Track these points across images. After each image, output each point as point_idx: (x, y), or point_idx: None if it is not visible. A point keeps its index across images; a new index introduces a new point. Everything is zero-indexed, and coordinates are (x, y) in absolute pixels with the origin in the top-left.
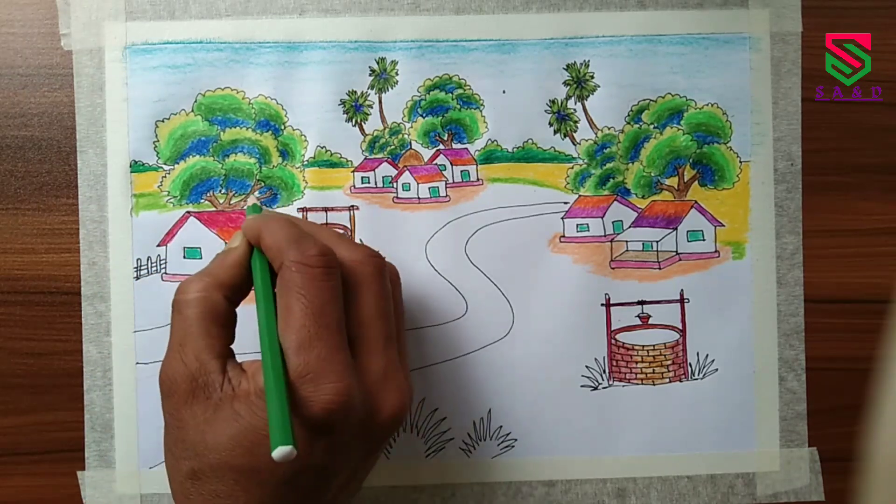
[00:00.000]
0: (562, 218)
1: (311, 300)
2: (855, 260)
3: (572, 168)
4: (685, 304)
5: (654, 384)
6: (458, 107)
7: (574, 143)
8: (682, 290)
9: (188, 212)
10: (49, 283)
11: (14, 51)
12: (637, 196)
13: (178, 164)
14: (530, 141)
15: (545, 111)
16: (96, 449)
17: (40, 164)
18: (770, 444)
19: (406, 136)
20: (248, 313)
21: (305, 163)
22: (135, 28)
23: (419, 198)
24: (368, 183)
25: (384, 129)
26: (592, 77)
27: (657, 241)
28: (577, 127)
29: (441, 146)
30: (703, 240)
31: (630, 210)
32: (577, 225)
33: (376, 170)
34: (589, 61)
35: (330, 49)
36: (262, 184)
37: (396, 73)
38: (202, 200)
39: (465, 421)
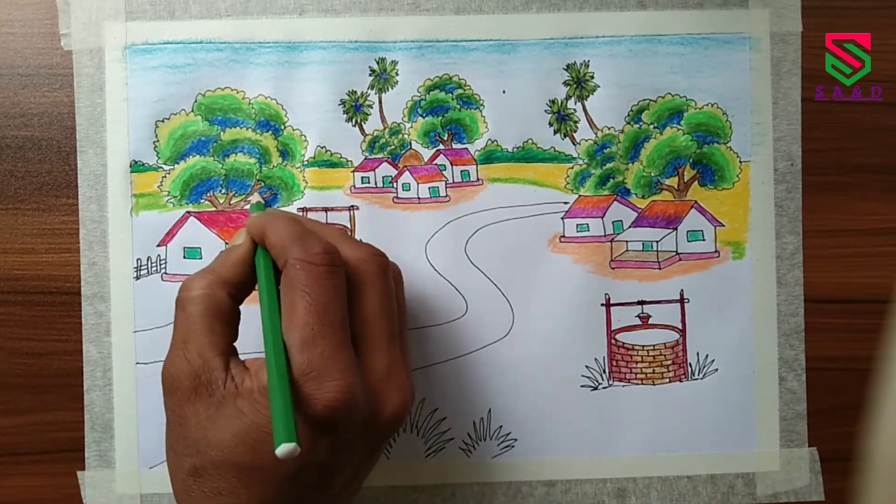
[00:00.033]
0: (562, 218)
1: (315, 298)
2: (855, 260)
3: (572, 168)
4: (685, 304)
5: (654, 384)
6: (458, 107)
7: (574, 143)
8: (682, 290)
9: (188, 212)
10: (49, 283)
11: (14, 51)
12: (637, 196)
13: (178, 164)
14: (530, 141)
15: (545, 111)
16: (96, 449)
17: (40, 164)
18: (770, 444)
19: (406, 136)
20: (251, 312)
21: (305, 163)
22: (135, 28)
23: (419, 198)
24: (368, 183)
25: (384, 129)
26: (592, 77)
27: (657, 241)
28: (577, 127)
29: (441, 146)
30: (703, 240)
31: (630, 210)
32: (577, 225)
33: (376, 170)
34: (589, 61)
35: (330, 49)
36: (262, 184)
37: (396, 73)
38: (202, 200)
39: (465, 421)
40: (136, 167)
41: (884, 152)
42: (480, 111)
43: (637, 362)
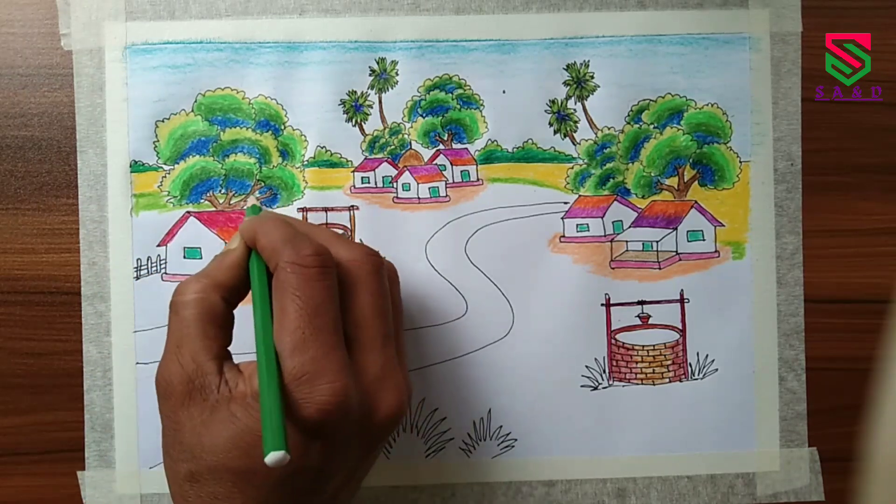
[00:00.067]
0: (562, 218)
1: (305, 301)
2: (855, 260)
3: (572, 168)
4: (685, 304)
5: (654, 384)
6: (458, 107)
7: (574, 143)
8: (682, 290)
9: (188, 212)
10: (49, 283)
11: (14, 51)
12: (637, 196)
13: (178, 164)
14: (530, 141)
15: (545, 111)
16: (96, 449)
17: (40, 164)
18: (770, 444)
19: (406, 136)
20: (245, 314)
21: (305, 163)
22: (135, 28)
23: (419, 198)
24: (368, 183)
25: (384, 129)
26: (592, 77)
27: (657, 241)
28: (577, 127)
29: (441, 146)
30: (703, 240)
31: (630, 210)
32: (577, 225)
33: (376, 170)
34: (589, 61)
35: (330, 49)
36: (262, 184)
37: (396, 73)
38: (202, 200)
39: (465, 421)
40: (136, 167)
41: (884, 152)
42: (480, 111)
43: (637, 362)
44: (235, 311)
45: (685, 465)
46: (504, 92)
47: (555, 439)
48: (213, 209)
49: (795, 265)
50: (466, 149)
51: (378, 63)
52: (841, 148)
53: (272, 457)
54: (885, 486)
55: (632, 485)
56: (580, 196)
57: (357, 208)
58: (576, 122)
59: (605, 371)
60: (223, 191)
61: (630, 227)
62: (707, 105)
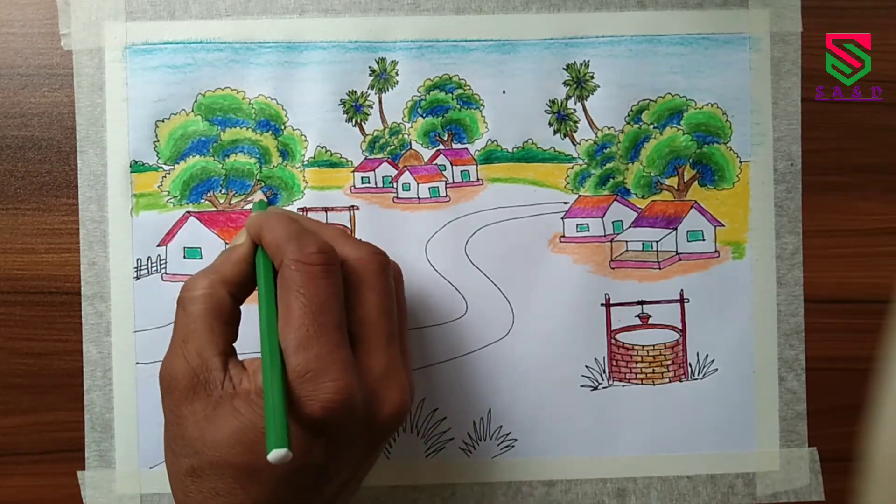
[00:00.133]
0: (562, 218)
1: (310, 298)
2: (855, 260)
3: (572, 168)
4: (685, 304)
5: (654, 384)
6: (458, 107)
7: (574, 143)
8: (681, 290)
9: (188, 212)
10: (49, 283)
11: (14, 51)
12: (637, 196)
13: (178, 164)
14: (530, 141)
15: (545, 111)
16: (96, 449)
17: (40, 164)
18: (770, 444)
19: (406, 136)
20: (250, 312)
21: (305, 163)
22: (135, 28)
23: (419, 198)
24: (368, 183)
25: (384, 129)
26: (592, 77)
27: (657, 241)
28: (577, 127)
29: (441, 146)
30: (703, 240)
31: (630, 210)
32: (577, 225)
33: (376, 170)
34: (589, 61)
35: (330, 49)
36: (263, 184)
37: (396, 73)
38: (202, 200)
39: (465, 421)
40: (136, 167)
41: (884, 152)
42: (480, 111)
43: (637, 362)
44: (240, 310)
45: (685, 465)
46: (504, 92)
47: (555, 439)
48: (214, 209)
49: (795, 265)
50: (466, 149)
51: (378, 63)
52: (841, 148)
53: (275, 454)
54: (885, 486)
55: (632, 485)
56: (580, 196)
57: (357, 208)
58: (576, 122)
59: (605, 371)
60: (223, 191)
61: (630, 227)
62: (707, 105)
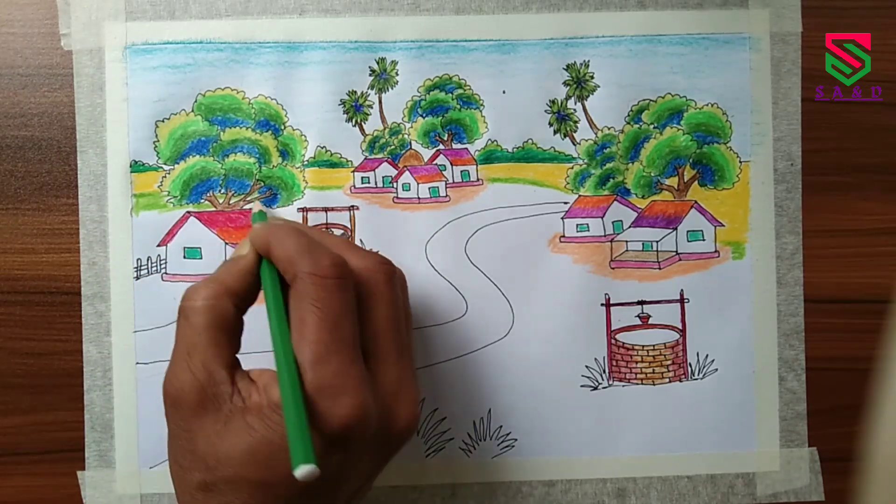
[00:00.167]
0: (562, 218)
1: (325, 312)
2: (855, 260)
3: (572, 168)
4: (685, 304)
5: (654, 384)
6: (458, 107)
7: (574, 143)
8: (682, 290)
9: (188, 212)
10: (49, 283)
11: (14, 51)
12: (637, 196)
13: (178, 164)
14: (530, 141)
15: (545, 111)
16: (96, 449)
17: (40, 164)
18: (770, 444)
19: (406, 136)
20: (250, 316)
21: (305, 163)
22: (135, 28)
23: (419, 198)
24: (368, 183)
25: (384, 129)
26: (592, 77)
27: (657, 241)
28: (577, 127)
29: (441, 146)
30: (703, 240)
31: (630, 210)
32: (577, 225)
33: (376, 170)
34: (589, 61)
35: (330, 49)
36: (262, 184)
37: (396, 73)
38: (202, 200)
39: (465, 421)
40: (136, 167)
41: (884, 152)
42: (480, 111)
43: (637, 362)
44: (243, 321)
45: (685, 465)
46: (504, 92)
47: (555, 439)
48: (213, 209)
49: (795, 265)
50: (466, 149)
51: (378, 63)
52: (841, 148)
53: (302, 470)
54: (885, 486)
55: (632, 485)
56: (580, 196)
57: (357, 208)
58: (576, 122)
59: (605, 371)
60: (223, 191)
61: (630, 227)
62: (707, 105)
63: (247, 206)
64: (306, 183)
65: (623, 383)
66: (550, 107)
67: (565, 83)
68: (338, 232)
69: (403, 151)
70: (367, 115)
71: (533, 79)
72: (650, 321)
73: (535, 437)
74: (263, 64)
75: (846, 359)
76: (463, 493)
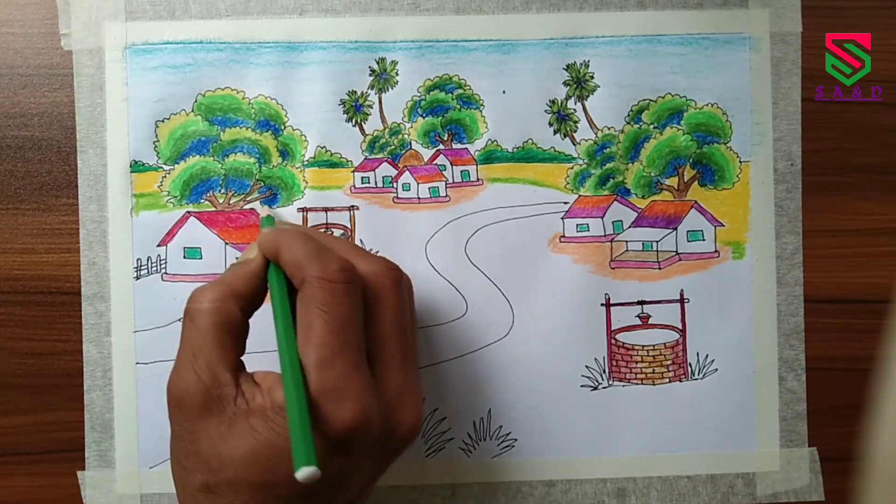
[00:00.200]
0: (562, 218)
1: (332, 316)
2: (855, 260)
3: (572, 168)
4: (685, 304)
5: (654, 384)
6: (458, 107)
7: (574, 143)
8: (682, 290)
9: (188, 212)
10: (49, 283)
11: (14, 51)
12: (637, 196)
13: (178, 164)
14: (530, 141)
15: (545, 111)
16: (96, 449)
17: (40, 164)
18: (770, 444)
19: (406, 136)
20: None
21: (305, 163)
22: (135, 28)
23: (419, 198)
24: (368, 183)
25: (384, 129)
26: (592, 77)
27: (657, 241)
28: (577, 127)
29: (441, 146)
30: (703, 240)
31: (630, 210)
32: (577, 225)
33: (376, 170)
34: (589, 61)
35: (330, 49)
36: (262, 184)
37: (396, 73)
38: (202, 200)
39: (465, 421)
40: (136, 167)
41: (884, 152)
42: (480, 111)
43: (637, 362)
44: (248, 325)
45: (685, 465)
46: (504, 92)
47: (555, 439)
48: (213, 209)
49: (795, 265)
50: (466, 149)
51: (378, 63)
52: (841, 148)
53: (304, 472)
54: (885, 486)
55: (632, 485)
56: (580, 196)
57: (357, 208)
58: (576, 122)
59: (605, 371)
60: (223, 191)
61: (630, 227)
62: (707, 105)
63: (247, 206)
64: (306, 183)
65: (623, 383)
66: (550, 107)
67: (565, 83)
68: (338, 232)
69: (403, 151)
70: (367, 115)
71: (533, 79)
72: (650, 321)
73: (535, 437)
74: (263, 64)
75: (846, 359)
76: (463, 493)
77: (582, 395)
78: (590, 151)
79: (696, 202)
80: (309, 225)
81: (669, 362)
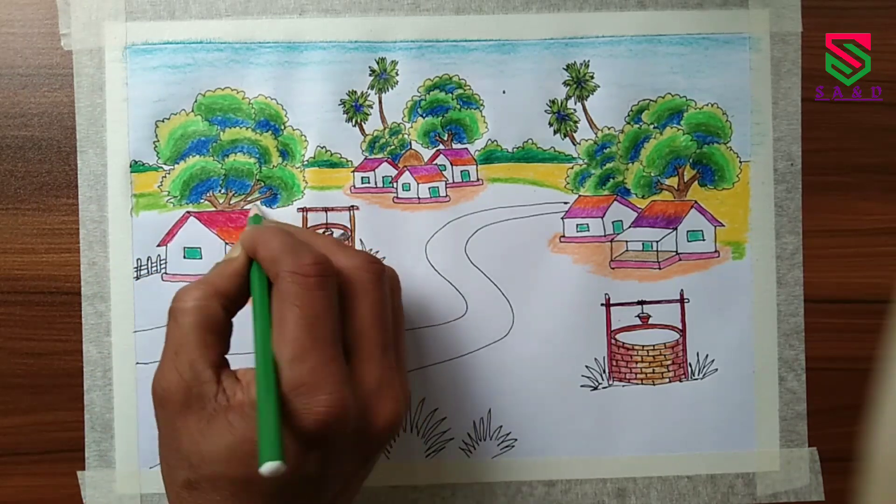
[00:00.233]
0: (562, 218)
1: (305, 311)
2: (855, 260)
3: (572, 168)
4: (685, 304)
5: (654, 384)
6: (458, 107)
7: (574, 143)
8: (682, 290)
9: (188, 212)
10: (49, 283)
11: (14, 51)
12: (637, 196)
13: (178, 164)
14: (530, 141)
15: (545, 111)
16: (96, 449)
17: (40, 164)
18: (770, 444)
19: (406, 136)
20: (243, 318)
21: (305, 163)
22: (135, 28)
23: (419, 198)
24: (368, 183)
25: (384, 129)
26: (592, 77)
27: (657, 241)
28: (577, 127)
29: (441, 146)
30: (703, 240)
31: (630, 210)
32: (577, 225)
33: (376, 170)
34: (589, 61)
35: (330, 49)
36: (262, 184)
37: (396, 73)
38: (202, 200)
39: (465, 421)
40: (136, 167)
41: (884, 152)
42: (480, 111)
43: (637, 362)
44: (232, 323)
45: (685, 465)
46: (504, 92)
47: (555, 439)
48: (213, 209)
49: (795, 265)
50: (466, 149)
51: (378, 63)
52: (841, 148)
53: (267, 467)
54: (885, 486)
55: (632, 485)
56: (580, 196)
57: (357, 208)
58: (576, 122)
59: (605, 371)
60: (223, 191)
61: (630, 227)
62: (707, 105)
63: (247, 207)
64: (306, 183)
65: (623, 383)
66: (550, 107)
67: (565, 83)
68: (337, 232)
69: (403, 151)
70: (367, 115)
71: (533, 79)
72: (650, 321)
73: (535, 437)
74: (263, 64)
75: (846, 359)
76: (463, 493)
77: (582, 395)
78: (590, 151)
79: (696, 202)
80: (309, 225)
81: (669, 362)
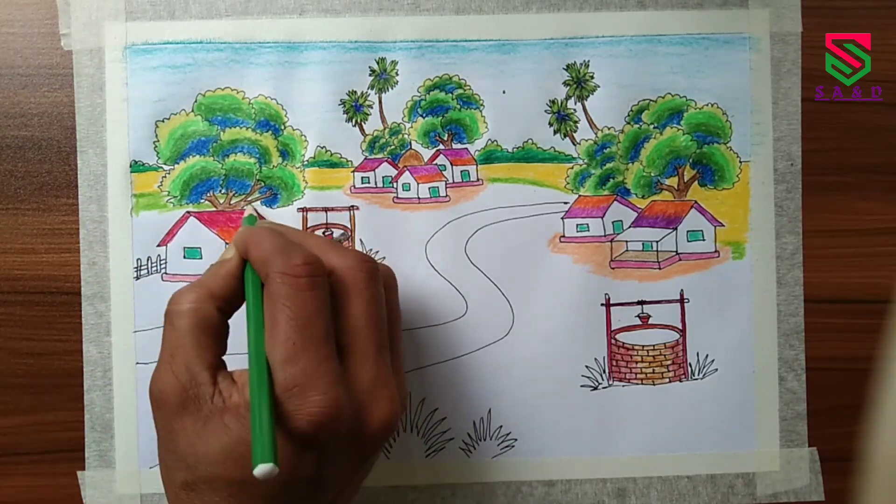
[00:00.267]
0: (562, 218)
1: (296, 311)
2: (855, 260)
3: (572, 168)
4: (685, 304)
5: (654, 384)
6: (458, 107)
7: (574, 143)
8: (682, 290)
9: (188, 212)
10: (49, 283)
11: (14, 51)
12: (637, 196)
13: (178, 164)
14: (530, 141)
15: (545, 111)
16: (96, 449)
17: (40, 164)
18: (770, 444)
19: (406, 136)
20: (239, 320)
21: (305, 163)
22: (135, 28)
23: (419, 198)
24: (368, 183)
25: (384, 129)
26: (592, 77)
27: (657, 241)
28: (577, 127)
29: (441, 146)
30: (703, 240)
31: (630, 210)
32: (577, 225)
33: (376, 170)
34: (589, 61)
35: (330, 49)
36: (262, 184)
37: (396, 73)
38: (202, 200)
39: (465, 421)
40: (136, 167)
41: (884, 152)
42: (480, 111)
43: (637, 362)
44: (228, 324)
45: (685, 465)
46: (504, 92)
47: (555, 439)
48: (214, 209)
49: (795, 265)
50: (466, 149)
51: (378, 63)
52: (841, 148)
53: (261, 469)
54: (885, 486)
55: (632, 485)
56: (580, 196)
57: (357, 208)
58: (576, 122)
59: (605, 371)
60: (223, 191)
61: (630, 227)
62: (707, 105)
63: (247, 207)
64: (306, 183)
65: (623, 383)
66: (550, 107)
67: (565, 83)
68: (338, 232)
69: (403, 151)
70: (367, 115)
71: (533, 79)
72: (650, 321)
73: (535, 437)
74: (263, 64)
75: (846, 359)
76: (463, 493)
77: (582, 395)
78: (590, 151)
79: (696, 202)
80: (309, 225)
81: (669, 362)
